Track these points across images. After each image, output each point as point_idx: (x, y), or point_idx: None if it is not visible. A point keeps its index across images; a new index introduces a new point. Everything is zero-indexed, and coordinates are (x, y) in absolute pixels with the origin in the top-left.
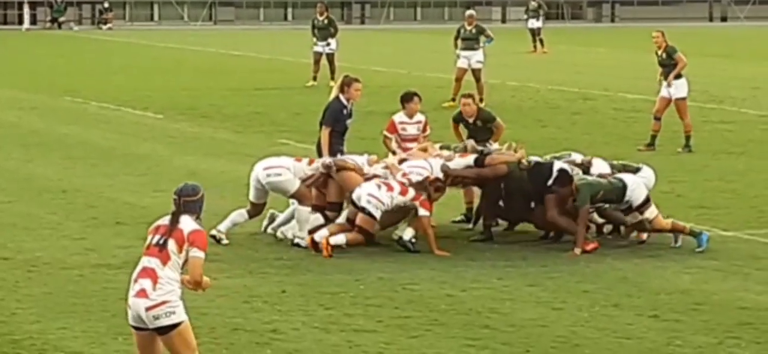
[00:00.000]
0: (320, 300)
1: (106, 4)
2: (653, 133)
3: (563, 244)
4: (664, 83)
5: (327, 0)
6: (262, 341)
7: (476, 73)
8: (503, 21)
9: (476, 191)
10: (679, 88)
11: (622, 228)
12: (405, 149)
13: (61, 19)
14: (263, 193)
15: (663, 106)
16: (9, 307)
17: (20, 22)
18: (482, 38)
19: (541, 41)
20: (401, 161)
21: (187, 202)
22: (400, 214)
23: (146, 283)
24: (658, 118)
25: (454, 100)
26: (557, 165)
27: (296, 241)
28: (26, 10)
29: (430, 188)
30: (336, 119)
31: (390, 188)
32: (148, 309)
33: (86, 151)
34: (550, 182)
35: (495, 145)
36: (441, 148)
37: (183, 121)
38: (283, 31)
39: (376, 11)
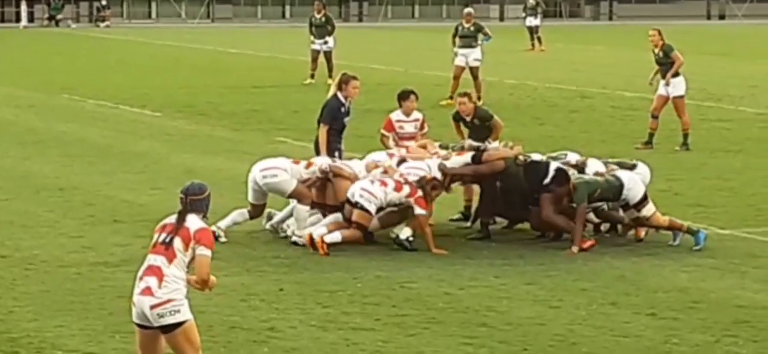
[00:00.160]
0: (318, 298)
1: (104, 2)
2: (651, 131)
3: (560, 243)
4: (662, 81)
5: None
6: (259, 339)
7: (474, 71)
8: (501, 19)
9: (476, 189)
10: (676, 87)
11: (620, 226)
12: (402, 147)
13: (59, 16)
14: (261, 194)
15: (660, 104)
16: (6, 305)
17: (18, 19)
18: (480, 36)
19: (539, 39)
20: (400, 162)
21: (194, 200)
22: (400, 215)
23: (152, 281)
24: (655, 117)
25: (451, 97)
26: (554, 165)
27: (294, 238)
28: (24, 7)
29: (427, 187)
30: (334, 117)
31: (384, 184)
32: (153, 307)
33: (84, 148)
34: (546, 181)
35: (494, 143)
36: (440, 147)
37: (181, 118)
38: (280, 28)
39: (374, 9)
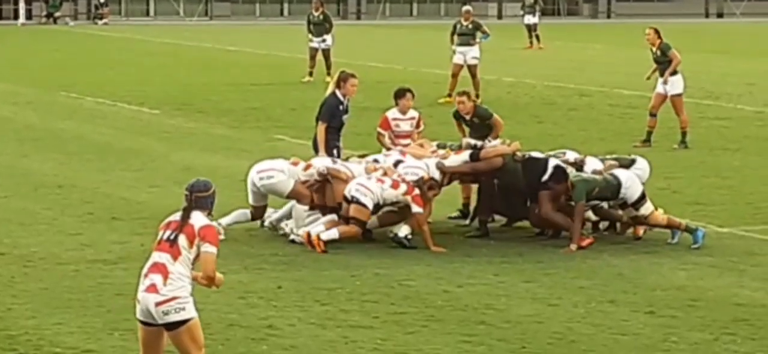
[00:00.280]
0: (316, 296)
1: (102, 0)
2: (649, 129)
3: (559, 241)
4: (660, 80)
5: None
6: (257, 337)
7: (472, 69)
8: (499, 17)
9: (474, 187)
10: (674, 85)
11: (618, 224)
12: (398, 145)
13: (57, 14)
14: (261, 196)
15: (659, 102)
16: (4, 302)
17: (16, 17)
18: (478, 34)
19: (538, 37)
20: (397, 163)
21: (199, 197)
22: (399, 215)
23: (157, 279)
24: (653, 115)
25: (450, 95)
26: (552, 161)
27: (292, 237)
28: (22, 4)
29: (424, 187)
30: (332, 115)
31: (380, 181)
32: (157, 304)
33: (82, 146)
34: (544, 178)
35: (494, 142)
36: (437, 146)
37: (179, 116)
38: (279, 26)
39: (372, 6)
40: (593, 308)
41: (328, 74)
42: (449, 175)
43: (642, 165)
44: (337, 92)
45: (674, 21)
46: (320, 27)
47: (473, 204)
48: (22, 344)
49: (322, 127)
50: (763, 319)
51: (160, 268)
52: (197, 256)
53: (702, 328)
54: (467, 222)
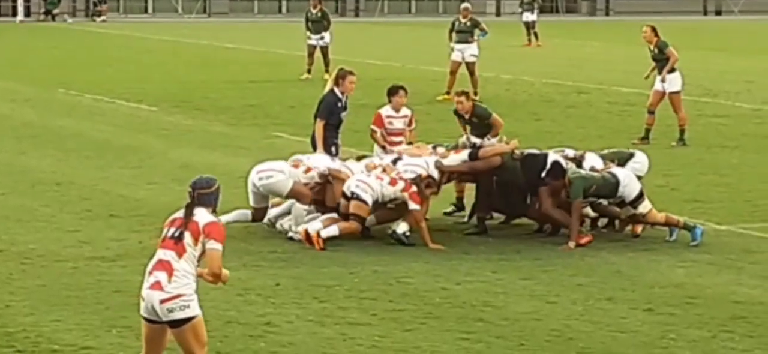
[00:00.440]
0: (314, 293)
1: None
2: (647, 126)
3: (557, 238)
4: (658, 77)
5: None
6: (255, 334)
7: (470, 66)
8: (498, 14)
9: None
10: (672, 82)
11: (617, 222)
12: (391, 143)
13: (55, 11)
14: (261, 197)
15: (657, 99)
16: (3, 299)
17: (14, 14)
18: (477, 31)
19: (536, 34)
20: (395, 161)
21: (201, 194)
22: (397, 212)
23: (161, 276)
24: (652, 112)
25: (448, 93)
26: (551, 157)
27: (290, 234)
28: (20, 2)
29: (421, 184)
30: (331, 112)
31: (379, 178)
32: (162, 301)
33: (80, 143)
34: (543, 174)
35: (493, 140)
36: (434, 147)
37: (177, 113)
38: (277, 23)
39: (370, 4)
40: (591, 305)
41: (327, 71)
42: (448, 174)
43: (641, 159)
44: (336, 89)
45: (672, 18)
46: (318, 24)
47: (467, 197)
48: (20, 341)
49: (320, 125)
50: (761, 316)
51: (165, 266)
52: (203, 253)
53: (700, 325)
54: (465, 219)
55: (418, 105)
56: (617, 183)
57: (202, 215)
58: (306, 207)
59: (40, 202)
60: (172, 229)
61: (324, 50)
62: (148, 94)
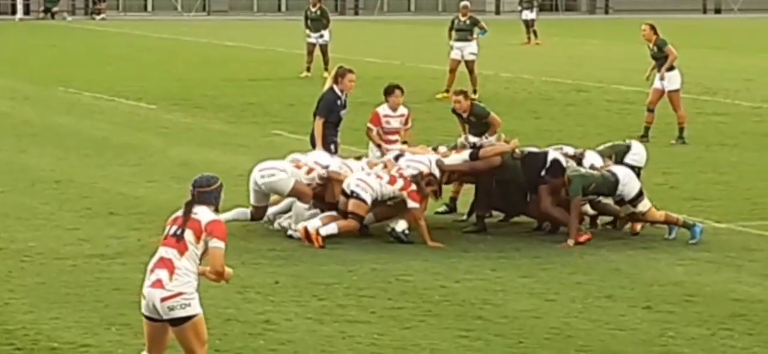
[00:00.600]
0: (313, 291)
1: None
2: (646, 124)
3: (556, 236)
4: (657, 75)
5: None
6: (254, 332)
7: (469, 64)
8: (497, 12)
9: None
10: (671, 80)
11: (617, 220)
12: (387, 141)
13: (54, 9)
14: (263, 195)
15: (656, 97)
16: (2, 297)
17: (13, 11)
18: (476, 30)
19: (535, 33)
20: (397, 157)
21: (202, 192)
22: (396, 209)
23: (162, 274)
24: (651, 110)
25: (447, 91)
26: (551, 155)
27: (289, 232)
28: None
29: (421, 183)
30: (330, 110)
31: (379, 177)
32: (163, 299)
33: (79, 141)
34: (543, 172)
35: (491, 138)
36: (434, 149)
37: (176, 111)
38: (276, 21)
39: (370, 2)
40: (590, 303)
41: (326, 70)
42: (448, 173)
43: (637, 149)
44: (335, 87)
45: (672, 16)
46: (318, 22)
47: (461, 200)
48: (19, 339)
49: (319, 122)
50: (760, 314)
51: (166, 264)
52: (204, 251)
53: (699, 323)
54: (465, 217)
55: (418, 103)
56: (617, 181)
57: (204, 213)
58: (306, 205)
59: (39, 200)
60: (174, 227)
61: (323, 48)
62: (148, 92)
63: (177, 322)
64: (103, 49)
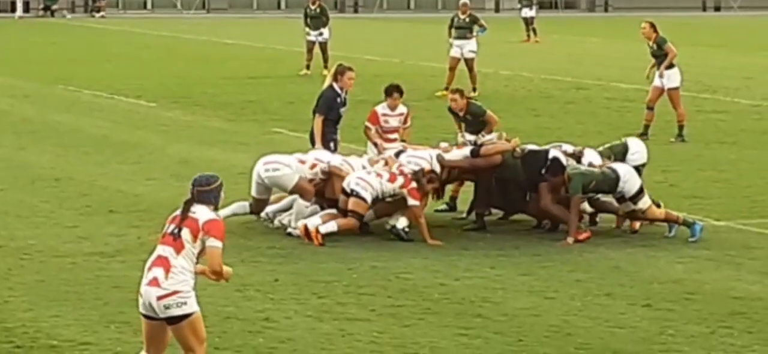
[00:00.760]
0: (313, 289)
1: None
2: (646, 122)
3: (556, 234)
4: (657, 73)
5: None
6: (254, 330)
7: (469, 62)
8: (497, 10)
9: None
10: (671, 78)
11: (616, 218)
12: (386, 140)
13: (54, 6)
14: (264, 189)
15: (656, 95)
16: (2, 295)
17: (13, 9)
18: (475, 27)
19: (535, 30)
20: (398, 154)
21: (201, 191)
22: (396, 206)
23: (159, 272)
24: (650, 108)
25: (447, 89)
26: (551, 153)
27: (289, 230)
28: None
29: (422, 180)
30: (330, 107)
31: (379, 175)
32: (159, 298)
33: (79, 139)
34: (543, 171)
35: (489, 136)
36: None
37: (176, 109)
38: (276, 19)
39: (369, 0)
40: (590, 301)
41: (325, 67)
42: (449, 169)
43: (636, 148)
44: (335, 85)
45: (671, 14)
46: (317, 20)
47: (461, 199)
48: (18, 337)
49: (319, 120)
50: (760, 312)
51: (163, 262)
52: (202, 250)
53: (699, 321)
54: (464, 215)
55: (417, 101)
56: (617, 178)
57: (202, 212)
58: (307, 203)
59: (39, 198)
60: (172, 226)
61: (323, 46)
62: (147, 90)
63: (174, 320)
64: (102, 47)
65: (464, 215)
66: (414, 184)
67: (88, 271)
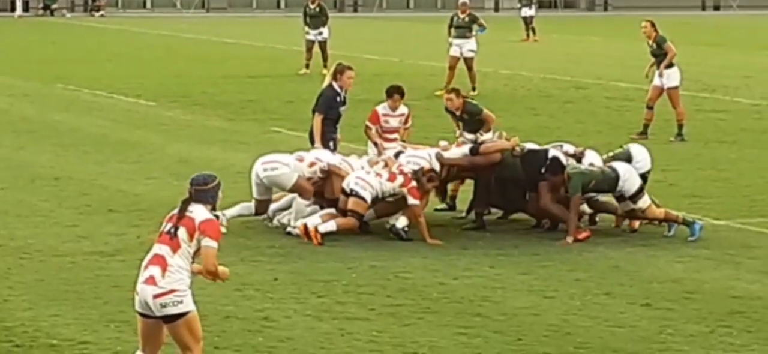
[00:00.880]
0: (312, 288)
1: None
2: (646, 122)
3: (555, 233)
4: (656, 72)
5: None
6: (253, 329)
7: (468, 61)
8: (496, 9)
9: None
10: (671, 78)
11: (615, 217)
12: (386, 140)
13: (54, 6)
14: (264, 189)
15: (655, 95)
16: (1, 294)
17: (12, 8)
18: (475, 27)
19: (534, 30)
20: (398, 154)
21: (198, 191)
22: (396, 206)
23: (155, 271)
24: (650, 107)
25: (446, 88)
26: (551, 153)
27: (289, 229)
28: None
29: (422, 179)
30: (329, 106)
31: (378, 175)
32: (155, 296)
33: (78, 138)
34: (543, 170)
35: (487, 135)
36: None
37: (175, 108)
38: (275, 18)
39: None
40: (589, 300)
41: (325, 67)
42: (448, 167)
43: (639, 156)
44: (334, 84)
45: (671, 13)
46: (317, 19)
47: (460, 198)
48: (18, 336)
49: (318, 119)
50: (759, 311)
51: (159, 261)
52: (198, 250)
53: (698, 320)
54: (464, 214)
55: (417, 100)
56: (617, 177)
57: (199, 212)
58: (307, 202)
59: (38, 197)
60: (169, 225)
61: (322, 45)
62: (147, 89)
63: (170, 319)
64: (102, 46)
65: (463, 214)
66: (414, 184)
67: (87, 270)
